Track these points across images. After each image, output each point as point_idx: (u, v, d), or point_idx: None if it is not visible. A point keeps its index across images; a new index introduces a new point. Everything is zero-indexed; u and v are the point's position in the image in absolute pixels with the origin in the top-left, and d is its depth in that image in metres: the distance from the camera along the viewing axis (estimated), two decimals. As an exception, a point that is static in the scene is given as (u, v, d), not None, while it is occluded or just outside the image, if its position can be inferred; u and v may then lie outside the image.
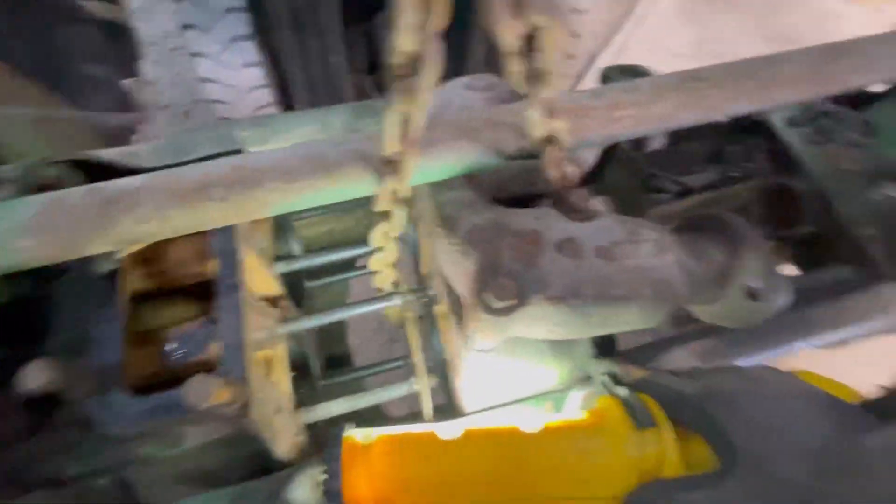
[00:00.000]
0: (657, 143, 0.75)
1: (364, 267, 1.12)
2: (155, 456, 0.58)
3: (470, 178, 0.55)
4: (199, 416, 0.55)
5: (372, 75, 2.38)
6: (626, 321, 0.51)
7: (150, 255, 0.69)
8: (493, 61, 2.04)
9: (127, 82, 1.76)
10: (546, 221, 0.50)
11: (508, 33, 0.29)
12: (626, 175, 1.15)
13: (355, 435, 0.48)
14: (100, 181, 0.48)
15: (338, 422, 0.81)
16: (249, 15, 1.81)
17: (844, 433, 0.39)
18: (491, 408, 0.63)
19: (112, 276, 0.61)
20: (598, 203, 1.00)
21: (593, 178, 1.16)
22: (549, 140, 0.43)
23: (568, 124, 0.41)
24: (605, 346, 0.88)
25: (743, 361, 0.77)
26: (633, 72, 0.73)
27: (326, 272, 1.11)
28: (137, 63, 1.87)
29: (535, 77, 0.34)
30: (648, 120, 0.50)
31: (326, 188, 0.44)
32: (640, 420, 0.45)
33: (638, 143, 0.74)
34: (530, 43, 0.33)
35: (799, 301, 0.89)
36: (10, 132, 0.76)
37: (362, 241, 0.94)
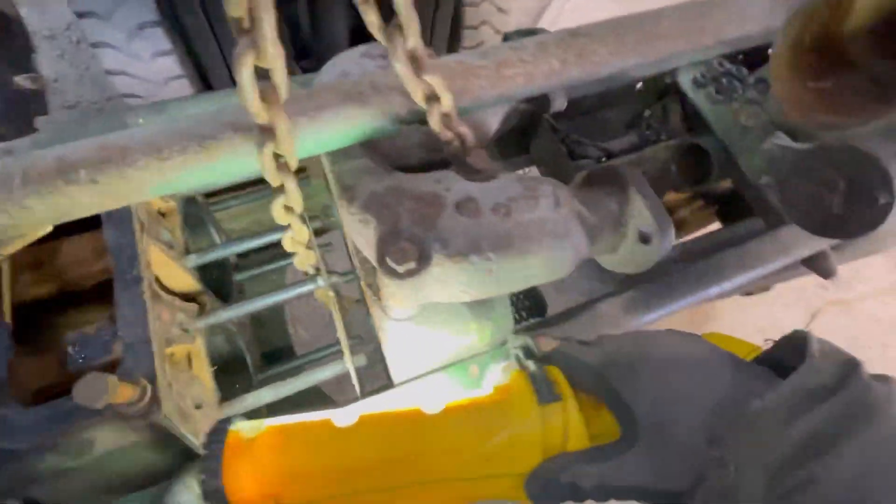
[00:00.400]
0: (559, 105, 0.77)
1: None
2: (62, 467, 0.54)
3: (368, 147, 0.54)
4: (102, 419, 0.52)
5: (299, 62, 2.29)
6: (533, 275, 0.52)
7: (41, 258, 0.64)
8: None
9: (19, 78, 1.60)
10: (445, 184, 0.50)
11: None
12: (550, 144, 1.18)
13: (242, 429, 0.44)
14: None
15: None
16: (154, -1, 1.68)
17: (738, 395, 0.38)
18: (418, 377, 0.63)
19: (-11, 281, 0.56)
20: (499, 164, 1.01)
21: (520, 148, 1.18)
22: (430, 98, 0.42)
23: (443, 80, 0.41)
24: (535, 309, 0.91)
25: (664, 311, 0.82)
26: (532, 34, 0.74)
27: (256, 264, 1.08)
28: (31, 57, 1.69)
29: (394, 29, 0.34)
30: (537, 77, 0.50)
31: (205, 163, 0.42)
32: (543, 394, 0.44)
33: (546, 106, 0.76)
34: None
35: (713, 251, 0.95)
36: None
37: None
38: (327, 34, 2.04)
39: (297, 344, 1.23)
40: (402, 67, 0.37)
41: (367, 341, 0.88)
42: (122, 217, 0.60)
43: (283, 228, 0.55)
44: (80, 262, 0.65)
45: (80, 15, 1.65)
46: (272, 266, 1.09)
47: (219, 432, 0.43)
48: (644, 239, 0.51)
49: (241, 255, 1.07)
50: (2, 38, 1.55)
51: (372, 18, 0.33)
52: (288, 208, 0.51)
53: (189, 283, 0.72)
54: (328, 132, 0.45)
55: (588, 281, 0.93)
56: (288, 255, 1.13)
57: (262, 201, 1.09)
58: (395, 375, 0.62)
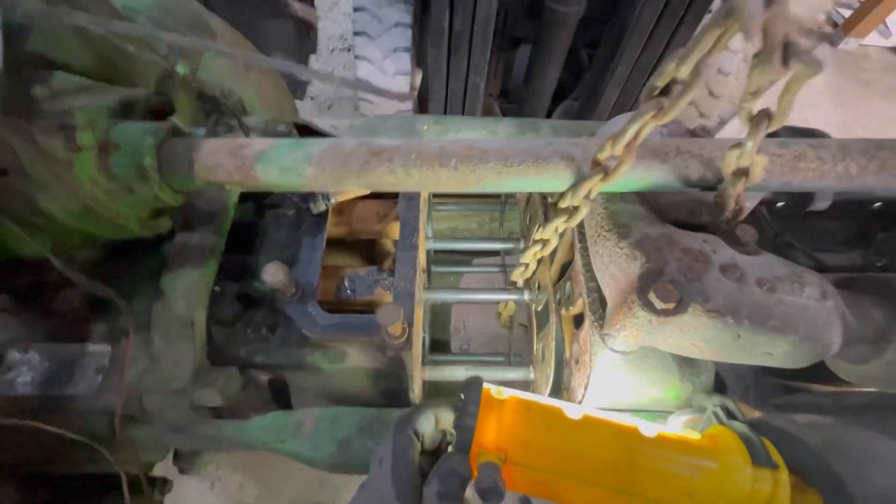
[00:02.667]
0: (822, 204, 0.77)
1: (476, 265, 1.22)
2: (319, 366, 0.70)
3: (642, 196, 0.62)
4: (365, 341, 0.67)
5: (498, 99, 2.56)
6: (773, 355, 0.54)
7: (344, 208, 0.84)
8: (621, 105, 2.11)
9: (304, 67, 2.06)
10: (713, 245, 0.56)
11: (765, 76, 0.36)
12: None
13: (490, 388, 0.53)
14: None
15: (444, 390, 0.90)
16: (413, 30, 2.04)
17: None
18: (610, 408, 0.68)
19: (322, 216, 0.76)
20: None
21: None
22: (740, 173, 0.49)
23: (766, 161, 0.47)
24: (718, 385, 0.88)
25: None
26: (806, 133, 0.76)
27: (446, 262, 1.23)
28: (310, 57, 2.17)
29: (763, 116, 0.41)
30: (829, 176, 0.54)
31: (532, 176, 0.54)
32: (759, 458, 0.46)
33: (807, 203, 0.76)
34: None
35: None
36: (248, 93, 0.96)
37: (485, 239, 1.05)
38: (536, 83, 2.24)
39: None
40: (752, 146, 0.45)
41: (525, 361, 0.95)
42: (414, 196, 0.77)
43: (504, 242, 0.64)
44: (365, 219, 0.83)
45: (357, 33, 2.08)
46: (456, 269, 1.23)
47: (476, 385, 0.53)
48: (909, 359, 0.50)
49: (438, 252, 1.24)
50: (304, 39, 2.01)
51: (751, 107, 0.41)
52: (556, 229, 0.61)
53: (422, 260, 0.87)
54: (632, 178, 0.55)
55: (740, 390, 0.87)
56: (467, 263, 1.27)
57: (468, 212, 1.25)
58: (590, 399, 0.68)
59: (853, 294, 0.55)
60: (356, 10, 2.09)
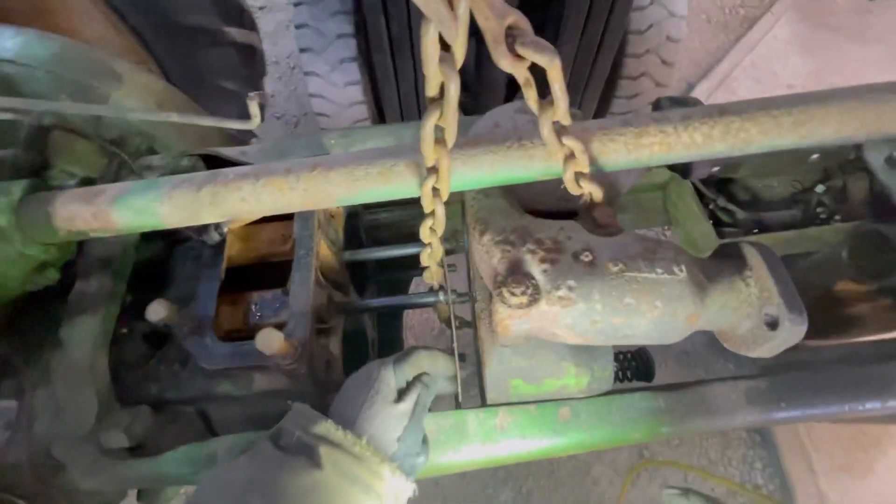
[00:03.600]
0: (699, 173, 0.76)
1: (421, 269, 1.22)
2: (230, 394, 0.71)
3: (507, 190, 0.62)
4: (265, 366, 0.68)
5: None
6: (640, 333, 0.54)
7: (247, 235, 0.85)
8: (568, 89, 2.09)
9: (252, 94, 2.07)
10: (568, 233, 0.55)
11: (515, 70, 0.36)
12: (690, 208, 1.13)
13: None
14: (218, 170, 0.62)
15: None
16: (356, 40, 2.05)
17: None
18: (511, 403, 0.68)
19: (218, 247, 0.77)
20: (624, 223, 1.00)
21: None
22: (568, 158, 0.48)
23: (582, 145, 0.47)
24: (642, 372, 0.88)
25: (800, 412, 0.73)
26: (683, 102, 0.75)
27: (388, 268, 1.23)
28: (262, 79, 2.18)
29: (546, 104, 0.41)
30: (676, 148, 0.53)
31: (381, 186, 0.54)
32: None
33: (687, 172, 0.75)
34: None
35: (873, 360, 0.81)
36: (162, 131, 0.97)
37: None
38: (487, 78, 2.23)
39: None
40: (547, 134, 0.45)
41: (469, 363, 0.95)
42: (307, 215, 0.78)
43: (421, 245, 0.65)
44: (272, 242, 0.84)
45: (302, 50, 2.09)
46: (401, 274, 1.24)
47: None
48: (771, 324, 0.49)
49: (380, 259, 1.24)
50: (250, 63, 2.03)
51: (531, 94, 0.40)
52: (433, 230, 0.62)
53: (342, 274, 0.88)
54: (476, 175, 0.54)
55: (718, 361, 0.86)
56: (416, 269, 1.28)
57: (404, 218, 1.25)
58: (490, 397, 0.68)
59: (719, 262, 0.54)
60: (298, 27, 2.10)
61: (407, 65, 1.99)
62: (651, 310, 0.51)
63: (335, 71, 2.12)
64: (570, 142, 0.46)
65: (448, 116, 0.39)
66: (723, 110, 0.53)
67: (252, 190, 0.55)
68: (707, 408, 0.70)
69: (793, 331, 0.47)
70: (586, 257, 0.52)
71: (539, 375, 0.65)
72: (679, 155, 0.54)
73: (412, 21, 1.83)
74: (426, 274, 0.80)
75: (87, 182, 0.65)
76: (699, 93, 2.94)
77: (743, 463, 1.94)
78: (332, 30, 2.08)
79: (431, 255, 0.70)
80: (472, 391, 0.77)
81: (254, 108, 0.54)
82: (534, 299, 0.51)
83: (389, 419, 0.55)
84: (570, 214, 0.61)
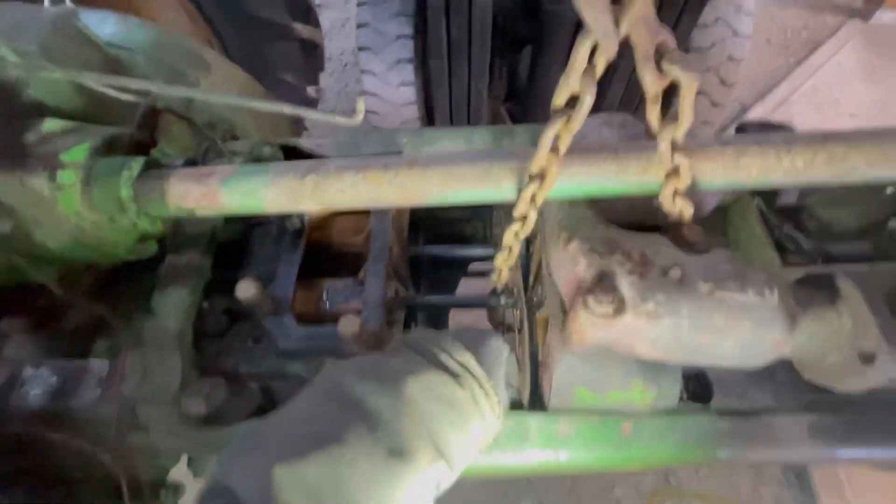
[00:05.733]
0: (787, 199, 0.75)
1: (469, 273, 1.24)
2: (300, 375, 0.74)
3: (592, 201, 0.63)
4: (338, 350, 0.70)
5: (506, 103, 2.57)
6: (723, 354, 0.54)
7: (324, 224, 0.88)
8: (627, 101, 2.08)
9: (310, 89, 2.15)
10: (656, 247, 0.56)
11: (652, 84, 0.37)
12: (753, 231, 1.10)
13: None
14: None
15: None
16: (414, 42, 2.09)
17: None
18: (574, 410, 0.68)
19: (298, 232, 0.80)
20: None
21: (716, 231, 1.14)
22: (670, 174, 0.49)
23: (689, 162, 0.47)
24: (700, 394, 0.87)
25: (870, 452, 0.71)
26: (771, 128, 0.74)
27: (444, 268, 1.26)
28: (319, 74, 2.25)
29: (670, 120, 0.42)
30: (774, 172, 0.53)
31: (478, 188, 0.56)
32: None
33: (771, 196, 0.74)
34: (671, 89, 0.41)
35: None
36: (242, 119, 1.02)
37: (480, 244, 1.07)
38: (539, 85, 2.24)
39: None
40: (664, 149, 0.46)
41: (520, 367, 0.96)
42: (384, 212, 0.80)
43: (483, 247, 0.67)
44: (344, 233, 0.87)
45: (361, 48, 2.14)
46: (452, 273, 1.26)
47: None
48: (866, 359, 0.48)
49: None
50: (311, 58, 2.10)
51: (656, 109, 0.42)
52: (517, 235, 0.63)
53: (405, 269, 0.91)
54: (570, 185, 0.56)
55: (755, 392, 0.83)
56: (467, 270, 1.29)
57: (460, 217, 1.27)
58: (553, 403, 0.69)
59: (808, 292, 0.54)
60: (359, 26, 2.16)
61: (462, 69, 2.02)
62: (739, 332, 0.51)
63: (391, 71, 2.17)
64: (679, 159, 0.47)
65: (573, 127, 0.41)
66: (827, 137, 0.53)
67: (352, 182, 0.58)
68: (770, 437, 0.69)
69: (891, 366, 0.47)
70: (675, 273, 0.53)
71: (605, 386, 0.66)
72: (777, 180, 0.54)
73: (472, 26, 1.86)
74: (495, 276, 0.82)
75: (190, 163, 0.69)
76: (753, 116, 2.87)
77: (775, 502, 1.88)
78: (392, 31, 2.12)
79: (508, 258, 0.71)
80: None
81: (360, 104, 0.56)
82: (619, 310, 0.52)
83: (501, 381, 0.57)
84: (651, 229, 0.62)
